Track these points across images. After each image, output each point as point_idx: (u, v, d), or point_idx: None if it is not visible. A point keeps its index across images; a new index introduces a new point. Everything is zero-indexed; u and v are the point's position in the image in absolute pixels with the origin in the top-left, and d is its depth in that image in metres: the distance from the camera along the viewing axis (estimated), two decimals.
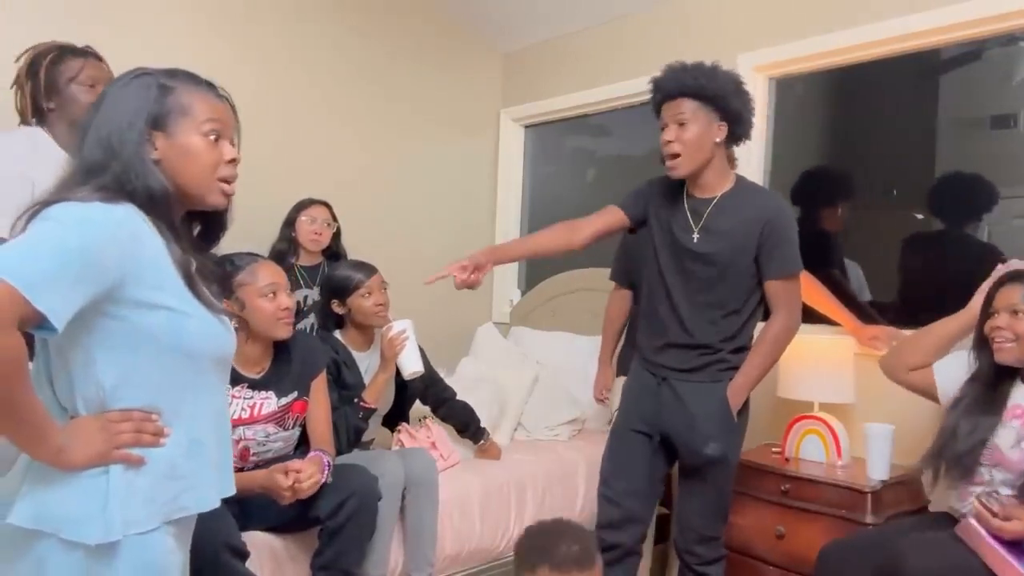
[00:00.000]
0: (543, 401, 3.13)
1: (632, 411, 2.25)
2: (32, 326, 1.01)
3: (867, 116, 2.92)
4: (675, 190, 2.19)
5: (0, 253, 1.00)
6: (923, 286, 2.21)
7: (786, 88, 3.06)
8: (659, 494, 2.30)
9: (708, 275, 2.10)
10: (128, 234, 1.11)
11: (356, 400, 2.38)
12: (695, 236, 2.11)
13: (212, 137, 1.22)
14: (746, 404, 2.16)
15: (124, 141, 1.16)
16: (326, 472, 1.94)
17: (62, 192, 1.12)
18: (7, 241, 1.06)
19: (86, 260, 1.04)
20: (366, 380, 2.46)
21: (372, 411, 2.39)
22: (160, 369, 1.15)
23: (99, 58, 2.07)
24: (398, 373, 2.68)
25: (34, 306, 0.98)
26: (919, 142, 2.80)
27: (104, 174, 1.14)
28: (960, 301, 2.19)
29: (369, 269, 2.49)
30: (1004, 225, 2.57)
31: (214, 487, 1.23)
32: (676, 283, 2.15)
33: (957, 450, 1.92)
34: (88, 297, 1.05)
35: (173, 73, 1.24)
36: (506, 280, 4.09)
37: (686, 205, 2.14)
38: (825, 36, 2.79)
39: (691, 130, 2.03)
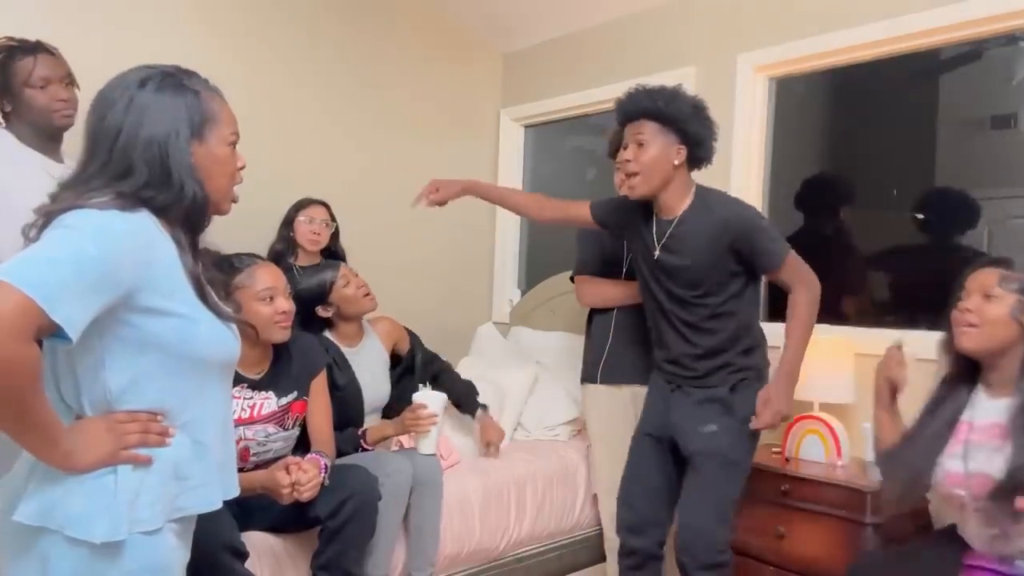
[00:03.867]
0: (543, 401, 3.12)
1: (646, 416, 2.30)
2: (47, 335, 1.01)
3: (867, 116, 2.92)
4: (647, 208, 2.21)
5: (17, 262, 0.99)
6: (923, 286, 2.21)
7: (786, 88, 3.06)
8: (676, 499, 2.28)
9: (686, 282, 2.13)
10: (144, 242, 1.10)
11: (360, 431, 2.41)
12: (658, 254, 2.14)
13: (233, 146, 1.23)
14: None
15: (172, 150, 1.14)
16: (323, 474, 1.94)
17: (77, 197, 1.10)
18: (19, 251, 1.03)
19: (103, 269, 1.03)
20: (358, 376, 2.47)
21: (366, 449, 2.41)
22: (167, 373, 1.15)
23: (51, 52, 2.02)
24: (395, 363, 2.68)
25: (51, 317, 0.97)
26: (919, 142, 2.80)
27: (127, 181, 1.12)
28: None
29: (333, 264, 2.52)
30: (1003, 225, 2.57)
31: (218, 488, 1.24)
32: (662, 296, 2.19)
33: (917, 487, 1.86)
34: (103, 305, 1.04)
35: (188, 74, 1.22)
36: (506, 280, 4.08)
37: (654, 225, 2.18)
38: (825, 36, 2.78)
39: (649, 151, 2.07)
